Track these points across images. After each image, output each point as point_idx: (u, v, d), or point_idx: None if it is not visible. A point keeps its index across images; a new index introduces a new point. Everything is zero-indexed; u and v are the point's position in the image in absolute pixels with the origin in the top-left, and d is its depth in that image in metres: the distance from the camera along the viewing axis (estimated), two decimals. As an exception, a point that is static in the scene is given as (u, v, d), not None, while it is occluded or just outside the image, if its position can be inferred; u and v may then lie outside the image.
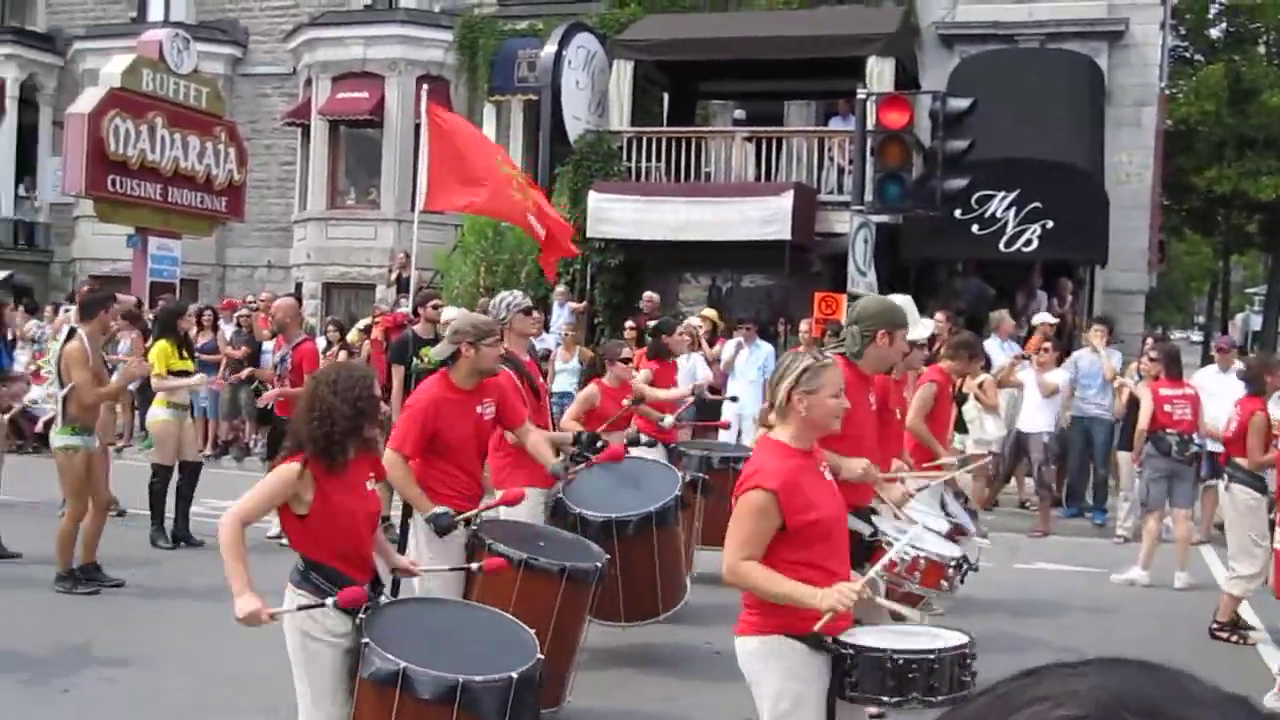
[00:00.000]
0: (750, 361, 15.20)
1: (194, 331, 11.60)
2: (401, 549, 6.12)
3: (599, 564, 6.14)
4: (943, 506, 7.05)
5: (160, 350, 11.18)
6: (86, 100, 19.99)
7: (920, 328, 6.97)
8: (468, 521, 6.05)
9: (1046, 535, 12.73)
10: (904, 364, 7.31)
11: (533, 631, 4.75)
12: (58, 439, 9.18)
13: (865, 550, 5.23)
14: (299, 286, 23.68)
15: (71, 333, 9.33)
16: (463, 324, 6.34)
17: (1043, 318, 14.83)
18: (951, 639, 4.23)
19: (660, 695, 7.14)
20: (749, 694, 4.28)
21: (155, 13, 27.83)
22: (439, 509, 5.85)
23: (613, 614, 7.15)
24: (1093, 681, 0.61)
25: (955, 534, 6.57)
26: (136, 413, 17.66)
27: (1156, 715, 0.58)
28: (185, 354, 11.30)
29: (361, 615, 4.42)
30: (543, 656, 4.55)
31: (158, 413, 11.23)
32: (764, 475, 4.13)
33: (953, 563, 5.62)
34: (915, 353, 7.79)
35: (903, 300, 6.60)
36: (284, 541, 10.97)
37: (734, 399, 12.99)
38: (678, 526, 7.51)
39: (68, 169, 20.36)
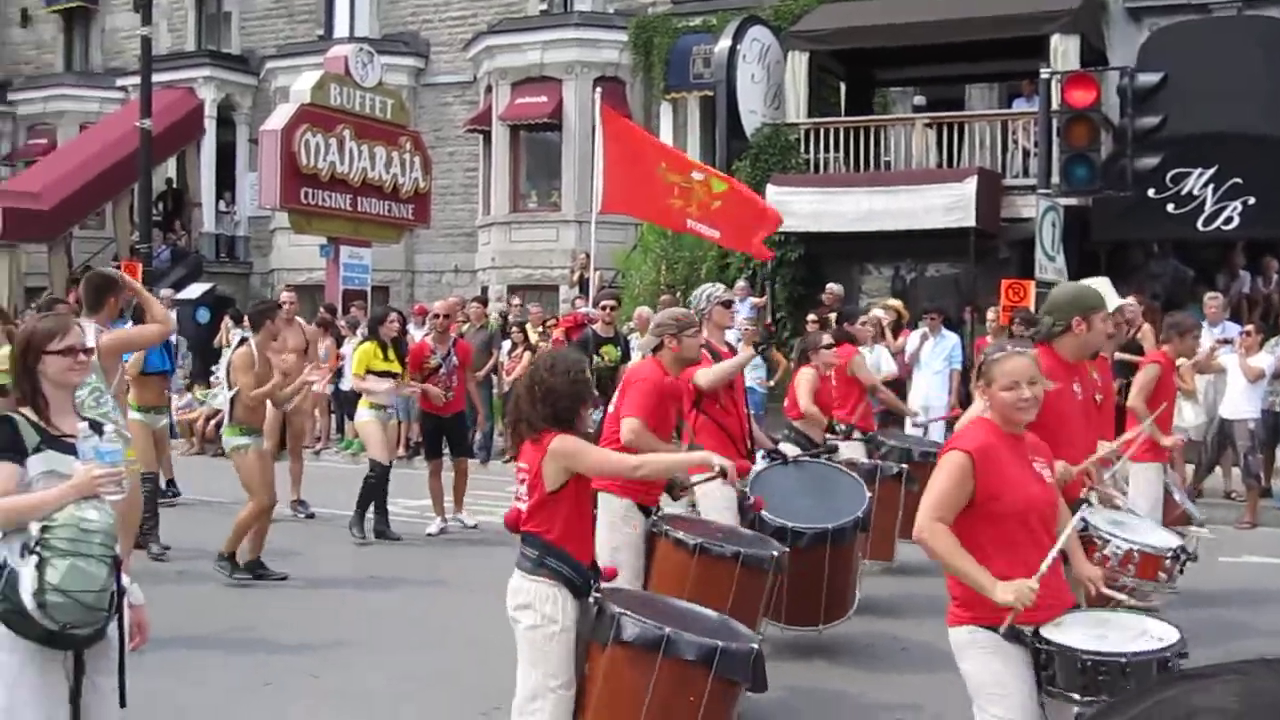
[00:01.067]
0: (935, 352, 14.89)
1: (400, 334, 11.88)
2: None
3: (776, 553, 6.11)
4: (1168, 493, 6.82)
5: (362, 352, 11.64)
6: (278, 117, 20.77)
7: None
8: (645, 511, 6.20)
9: (1254, 527, 12.14)
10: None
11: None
12: (228, 439, 9.71)
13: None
14: (484, 290, 24.13)
15: (242, 341, 9.83)
16: (664, 318, 6.66)
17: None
18: (1157, 638, 4.05)
19: (845, 688, 7.04)
20: (936, 688, 4.20)
21: (341, 29, 28.71)
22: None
23: (774, 613, 7.10)
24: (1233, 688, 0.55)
25: (1181, 522, 6.34)
26: (333, 417, 18.28)
27: None
28: (391, 357, 11.60)
29: (595, 594, 4.60)
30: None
31: (362, 413, 11.76)
32: (963, 439, 4.19)
33: (1169, 554, 5.41)
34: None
35: (1098, 283, 6.41)
36: (433, 531, 11.28)
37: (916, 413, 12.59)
38: (853, 545, 7.43)
39: (263, 183, 21.20)
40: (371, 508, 11.37)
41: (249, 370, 9.52)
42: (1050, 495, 4.30)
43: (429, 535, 11.57)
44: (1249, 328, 13.15)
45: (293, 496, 12.39)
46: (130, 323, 9.67)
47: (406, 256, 27.23)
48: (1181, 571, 5.54)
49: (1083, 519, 5.23)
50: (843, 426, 9.41)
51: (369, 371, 11.50)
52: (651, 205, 13.83)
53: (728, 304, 7.78)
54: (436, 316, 12.05)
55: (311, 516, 12.44)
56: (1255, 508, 12.36)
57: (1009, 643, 4.02)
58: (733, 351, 7.78)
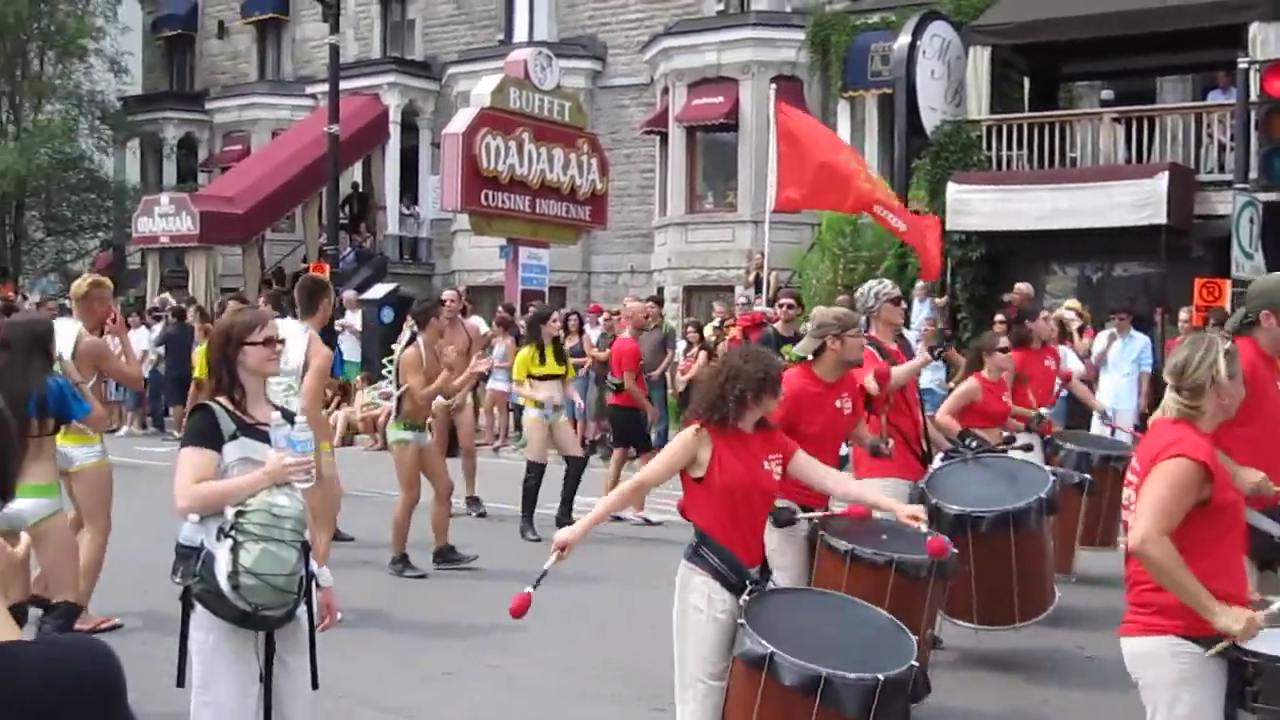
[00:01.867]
0: (1124, 354, 14.40)
1: (563, 335, 12.03)
2: None
3: (935, 560, 5.79)
4: None
5: (520, 359, 11.81)
6: (460, 121, 21.21)
7: None
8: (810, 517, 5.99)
9: None
10: None
11: (915, 637, 4.63)
12: (392, 433, 10.01)
13: (1272, 551, 4.81)
14: (660, 290, 24.23)
15: (411, 338, 10.03)
16: (826, 317, 6.35)
17: None
18: None
19: (1027, 698, 6.86)
20: (1122, 700, 4.02)
21: (520, 34, 29.18)
22: (781, 503, 5.81)
23: (965, 613, 6.90)
24: None
25: None
26: (510, 414, 18.56)
27: None
28: (554, 358, 11.72)
29: (746, 597, 4.49)
30: (917, 664, 4.43)
31: (528, 412, 11.97)
32: (1188, 445, 3.85)
33: None
34: None
35: None
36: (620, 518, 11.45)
37: (1104, 414, 12.00)
38: (1040, 530, 7.06)
39: (445, 186, 21.68)
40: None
41: (417, 368, 9.70)
42: (1243, 494, 4.12)
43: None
44: None
45: (467, 493, 12.61)
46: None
47: (583, 257, 27.53)
48: None
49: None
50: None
51: (529, 376, 11.65)
52: (835, 193, 13.71)
53: (897, 300, 7.47)
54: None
55: (483, 515, 12.61)
56: None
57: (1207, 652, 3.81)
58: (903, 350, 7.58)
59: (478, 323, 16.81)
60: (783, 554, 5.72)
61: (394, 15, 32.06)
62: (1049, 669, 7.37)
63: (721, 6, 26.56)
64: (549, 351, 11.72)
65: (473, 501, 12.67)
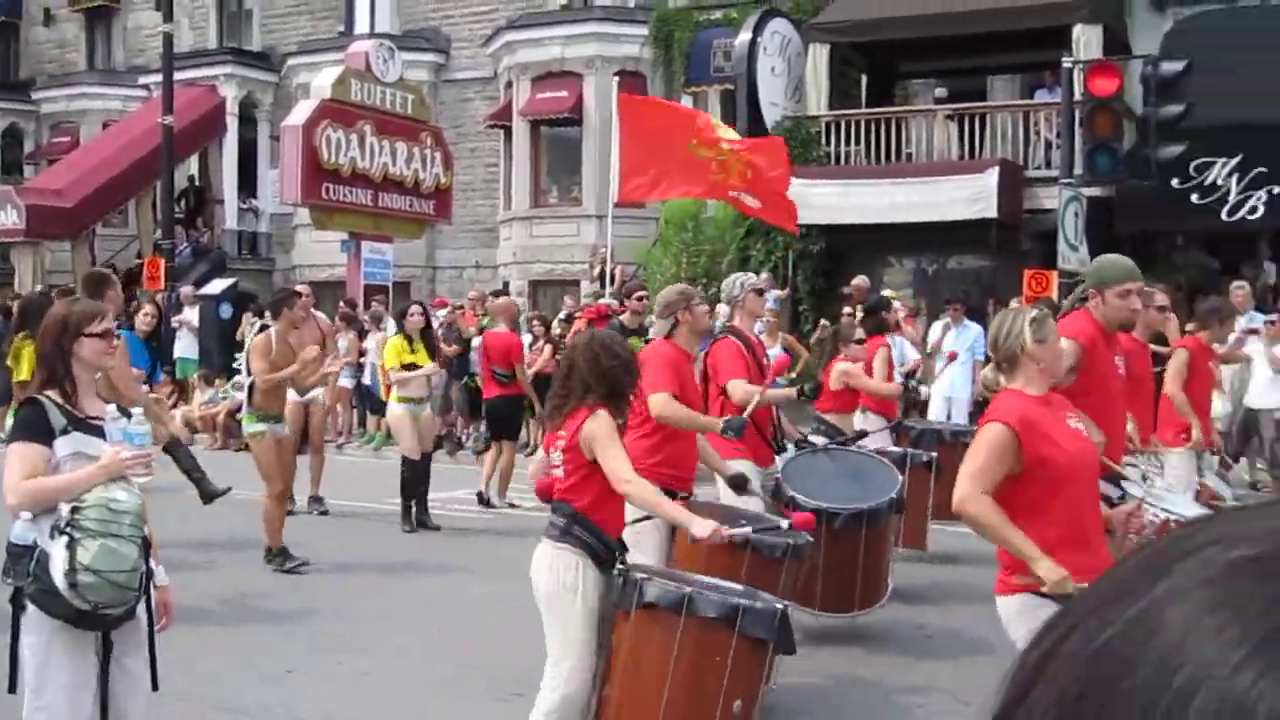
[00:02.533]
0: (959, 343, 14.83)
1: (422, 325, 11.92)
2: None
3: (792, 541, 5.96)
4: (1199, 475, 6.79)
5: (391, 346, 11.70)
6: (299, 113, 20.83)
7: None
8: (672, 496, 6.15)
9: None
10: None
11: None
12: (247, 426, 9.89)
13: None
14: (506, 285, 24.14)
15: (262, 328, 9.93)
16: (668, 295, 6.68)
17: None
18: None
19: (866, 675, 7.03)
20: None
21: (362, 25, 28.75)
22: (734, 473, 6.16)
23: (808, 601, 7.09)
24: (1272, 519, 0.53)
25: (1212, 502, 6.33)
26: (355, 411, 18.33)
27: None
28: (418, 348, 11.63)
29: (619, 566, 4.68)
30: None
31: (393, 408, 11.81)
32: (1000, 412, 4.20)
33: None
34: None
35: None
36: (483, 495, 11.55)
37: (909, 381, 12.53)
38: (887, 528, 7.45)
39: (284, 180, 21.25)
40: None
41: (266, 356, 9.64)
42: (1092, 449, 4.38)
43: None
44: (1274, 317, 13.07)
45: (310, 492, 12.38)
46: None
47: (428, 252, 27.27)
48: None
49: (1121, 488, 5.23)
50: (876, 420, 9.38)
51: (401, 365, 11.55)
52: (687, 182, 13.78)
53: (761, 291, 7.81)
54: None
55: (324, 513, 12.36)
56: (1282, 498, 12.29)
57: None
58: (760, 343, 7.81)
59: (320, 317, 16.53)
60: (645, 533, 5.83)
61: (230, 5, 31.29)
62: (887, 645, 7.56)
63: (565, 1, 26.55)
64: (417, 342, 11.66)
65: (315, 500, 12.44)
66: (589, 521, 4.68)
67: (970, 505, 4.08)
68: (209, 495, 10.05)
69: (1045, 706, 0.52)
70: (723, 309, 8.47)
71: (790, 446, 7.68)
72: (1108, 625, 0.52)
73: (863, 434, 8.42)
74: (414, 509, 11.48)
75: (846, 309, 14.80)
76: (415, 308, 12.10)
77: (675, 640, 4.50)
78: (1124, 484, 5.40)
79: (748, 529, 5.14)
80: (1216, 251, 17.48)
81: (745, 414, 6.60)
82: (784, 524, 5.46)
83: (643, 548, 5.71)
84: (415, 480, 11.46)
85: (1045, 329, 4.25)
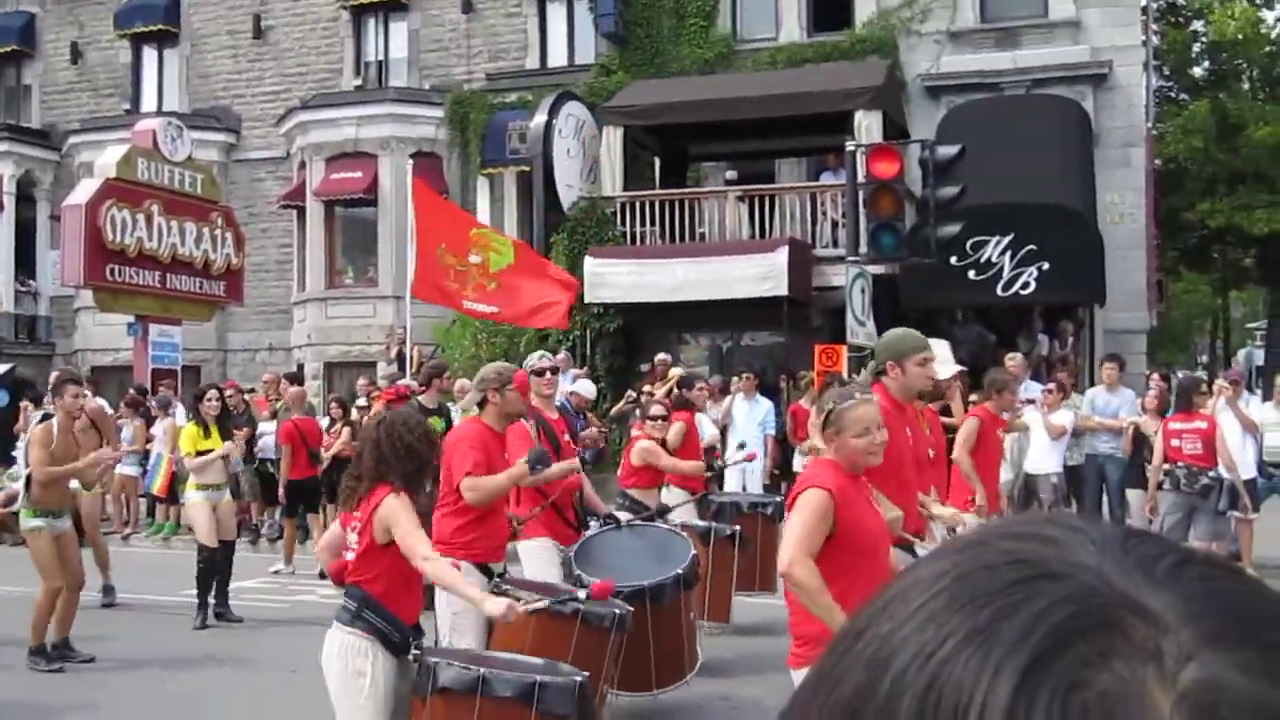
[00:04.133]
0: (750, 416, 15.16)
1: (218, 411, 11.60)
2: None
3: (618, 611, 6.03)
4: None
5: (187, 434, 11.30)
6: (82, 191, 20.13)
7: (945, 368, 6.95)
8: (488, 573, 6.17)
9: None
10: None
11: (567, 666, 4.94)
12: (24, 521, 9.39)
13: None
14: (300, 367, 23.69)
15: (45, 417, 9.48)
16: (486, 372, 6.71)
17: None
18: None
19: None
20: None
21: (148, 103, 28.10)
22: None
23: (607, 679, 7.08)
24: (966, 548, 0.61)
25: None
26: (143, 500, 17.64)
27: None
28: (214, 434, 11.28)
29: (414, 651, 4.62)
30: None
31: (191, 495, 11.36)
32: (819, 479, 4.31)
33: None
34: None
35: (937, 344, 6.62)
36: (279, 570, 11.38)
37: (742, 445, 12.90)
38: (678, 604, 7.31)
39: (66, 260, 20.47)
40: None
41: (46, 447, 9.19)
42: (885, 526, 4.53)
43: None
44: (1050, 386, 13.74)
45: (102, 581, 11.92)
46: None
47: (219, 335, 26.58)
48: None
49: (914, 554, 5.39)
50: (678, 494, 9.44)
51: (197, 452, 11.19)
52: (438, 289, 14.01)
53: (540, 373, 7.71)
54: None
55: (110, 605, 11.85)
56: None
57: None
58: (563, 417, 7.81)
59: (102, 404, 15.92)
60: (464, 615, 5.81)
61: (8, 80, 30.22)
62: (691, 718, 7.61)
63: (359, 82, 26.45)
64: (213, 428, 11.30)
65: (107, 590, 11.96)
66: (381, 606, 4.60)
67: (797, 568, 4.14)
68: None
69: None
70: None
71: (593, 523, 7.69)
72: (861, 648, 0.57)
73: (666, 509, 8.48)
74: (211, 602, 11.04)
75: (646, 386, 15.02)
76: (212, 393, 11.74)
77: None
78: (916, 550, 5.58)
79: (543, 601, 5.12)
80: (993, 325, 18.31)
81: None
82: (581, 594, 5.45)
83: (462, 630, 5.67)
84: (212, 570, 11.01)
85: (840, 421, 4.37)
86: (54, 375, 10.01)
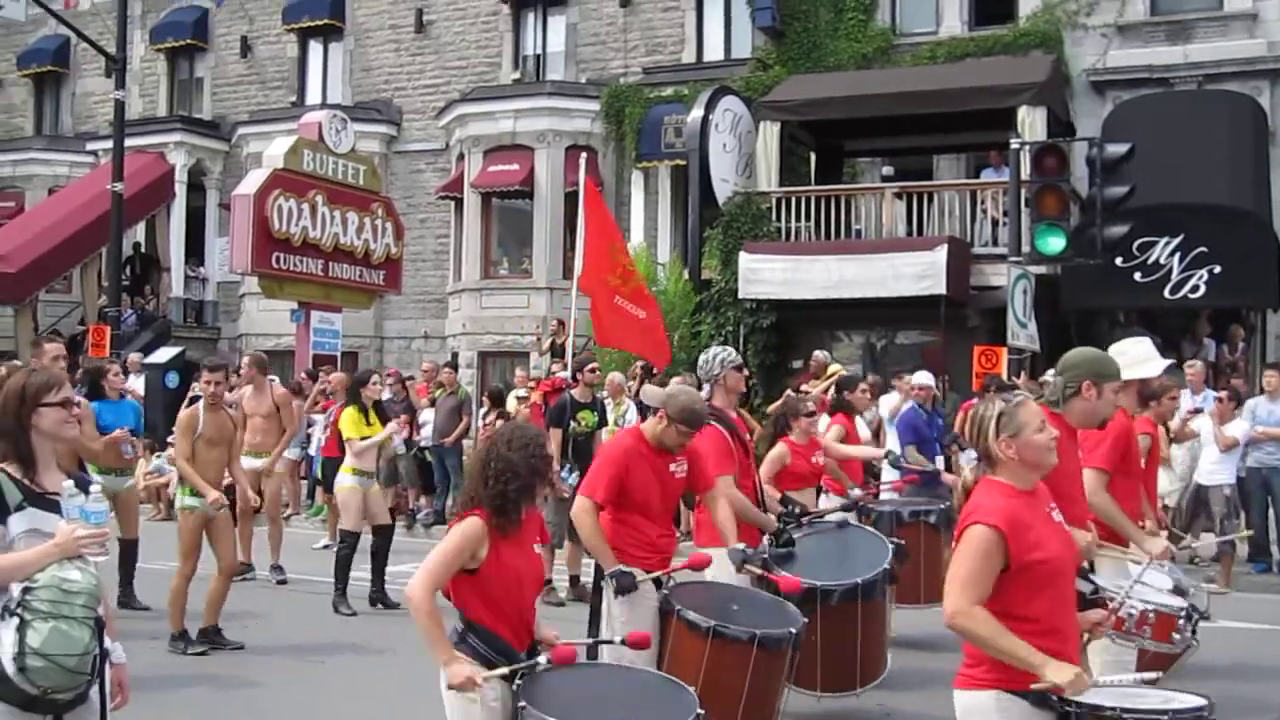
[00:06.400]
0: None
1: (384, 395, 11.85)
2: (595, 612, 6.16)
3: (794, 629, 5.82)
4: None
5: (348, 418, 11.47)
6: (251, 181, 20.75)
7: (1151, 364, 6.60)
8: (658, 582, 5.95)
9: (1227, 592, 12.16)
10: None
11: (693, 689, 4.61)
12: (179, 499, 9.61)
13: (1087, 607, 5.02)
14: (455, 356, 24.07)
15: (192, 400, 9.70)
16: (675, 410, 6.17)
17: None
18: (1188, 701, 3.89)
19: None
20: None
21: (313, 96, 28.83)
22: (622, 567, 5.78)
23: (809, 682, 6.91)
24: None
25: (1177, 590, 6.24)
26: (304, 482, 18.11)
27: None
28: (374, 421, 11.49)
29: (519, 680, 4.36)
30: (703, 712, 4.41)
31: (343, 479, 11.48)
32: (985, 511, 3.94)
33: (1182, 613, 5.32)
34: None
35: (1136, 340, 6.37)
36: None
37: (889, 453, 12.62)
38: (883, 600, 7.20)
39: (234, 248, 21.13)
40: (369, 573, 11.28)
41: (189, 434, 9.44)
42: (1074, 547, 4.21)
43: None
44: (1222, 394, 13.26)
45: (272, 561, 12.43)
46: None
47: (376, 322, 27.16)
48: (1194, 633, 5.47)
49: (1092, 582, 5.13)
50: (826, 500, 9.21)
51: (360, 438, 11.39)
52: (602, 283, 13.89)
53: (740, 367, 7.52)
54: None
55: (283, 583, 12.32)
56: (1229, 572, 12.40)
57: (1037, 709, 3.87)
58: (743, 418, 7.61)
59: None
60: (633, 625, 5.58)
61: (181, 72, 31.29)
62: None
63: (518, 75, 26.75)
64: (372, 414, 11.50)
65: (276, 569, 12.46)
66: (483, 629, 4.49)
67: (962, 619, 3.87)
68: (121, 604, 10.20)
69: None
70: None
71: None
72: None
73: (821, 514, 8.25)
74: (370, 585, 11.26)
75: (805, 386, 14.82)
76: (375, 378, 11.99)
77: None
78: (1093, 578, 5.30)
79: (502, 669, 4.68)
80: (1157, 329, 17.75)
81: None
82: (542, 659, 5.06)
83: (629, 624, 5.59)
84: (351, 555, 11.16)
85: (1015, 422, 4.03)
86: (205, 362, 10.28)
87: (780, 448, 8.58)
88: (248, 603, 10.58)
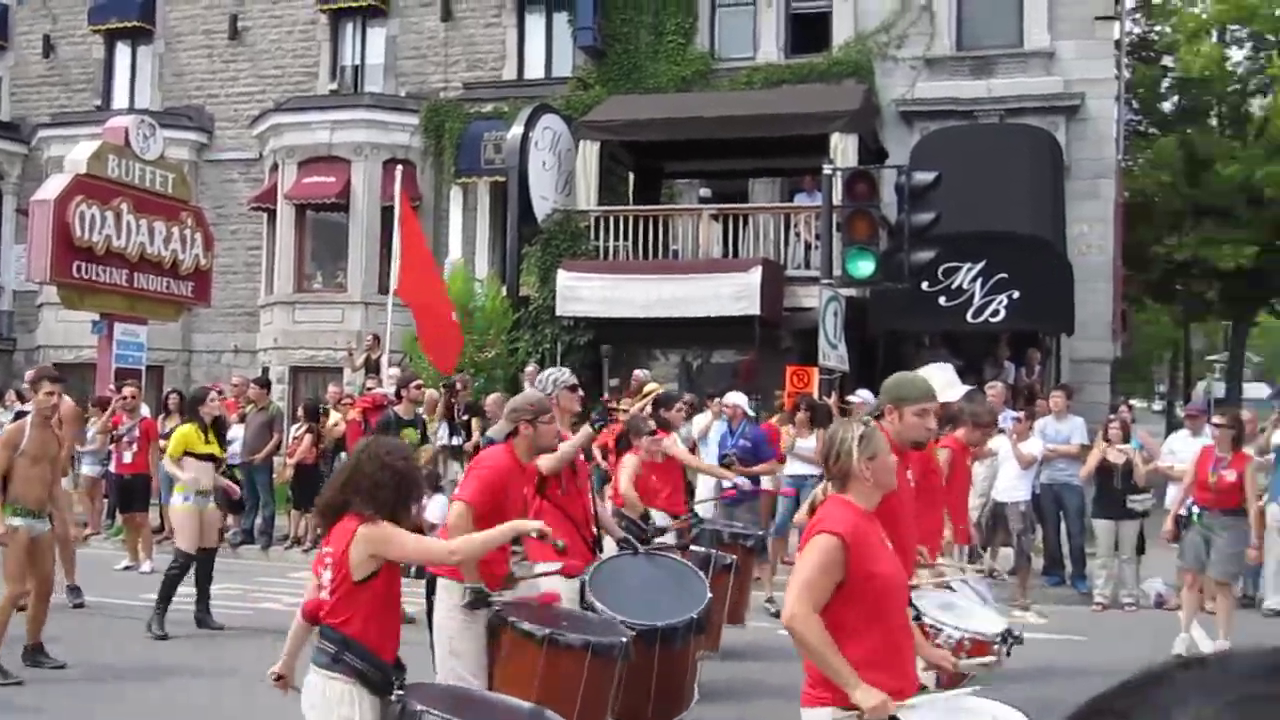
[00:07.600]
0: (716, 436, 15.14)
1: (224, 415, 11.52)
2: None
3: (624, 640, 5.93)
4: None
5: (181, 435, 11.12)
6: (51, 187, 19.93)
7: (950, 390, 6.89)
8: (487, 599, 5.93)
9: (1027, 608, 12.67)
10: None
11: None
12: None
13: None
14: (266, 371, 23.52)
15: (19, 415, 9.33)
16: (520, 403, 6.40)
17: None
18: (1009, 718, 4.14)
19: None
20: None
21: (120, 100, 27.89)
22: (477, 584, 5.76)
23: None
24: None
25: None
26: (105, 501, 17.45)
27: None
28: (212, 439, 11.16)
29: (398, 693, 4.42)
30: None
31: (177, 499, 11.14)
32: (833, 521, 4.12)
33: (997, 639, 5.63)
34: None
35: (939, 367, 6.60)
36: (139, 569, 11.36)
37: (724, 457, 12.79)
38: (686, 649, 7.04)
39: (32, 256, 20.24)
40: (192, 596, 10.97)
41: (12, 447, 9.05)
42: (903, 570, 4.41)
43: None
44: (1020, 414, 13.83)
45: (67, 582, 11.86)
46: None
47: (184, 335, 26.37)
48: (1009, 654, 5.73)
49: (915, 607, 5.34)
50: (663, 517, 9.31)
51: (186, 454, 11.04)
52: (434, 302, 13.88)
53: (573, 387, 7.54)
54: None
55: (80, 605, 11.82)
56: (1027, 585, 12.93)
57: None
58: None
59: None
60: (462, 639, 5.69)
61: (-23, 72, 29.96)
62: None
63: (335, 86, 26.34)
64: (210, 432, 11.18)
65: (72, 590, 11.89)
66: (362, 647, 4.46)
67: (798, 623, 3.99)
68: None
69: None
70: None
71: (610, 545, 7.47)
72: None
73: (661, 530, 8.32)
74: (194, 608, 10.93)
75: (626, 403, 14.93)
76: (213, 395, 11.64)
77: None
78: (915, 599, 5.46)
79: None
80: (959, 352, 18.42)
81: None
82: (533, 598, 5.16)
83: (460, 654, 5.57)
84: (180, 578, 10.82)
85: (874, 444, 4.25)
86: (29, 373, 9.82)
87: (630, 457, 8.78)
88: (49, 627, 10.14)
